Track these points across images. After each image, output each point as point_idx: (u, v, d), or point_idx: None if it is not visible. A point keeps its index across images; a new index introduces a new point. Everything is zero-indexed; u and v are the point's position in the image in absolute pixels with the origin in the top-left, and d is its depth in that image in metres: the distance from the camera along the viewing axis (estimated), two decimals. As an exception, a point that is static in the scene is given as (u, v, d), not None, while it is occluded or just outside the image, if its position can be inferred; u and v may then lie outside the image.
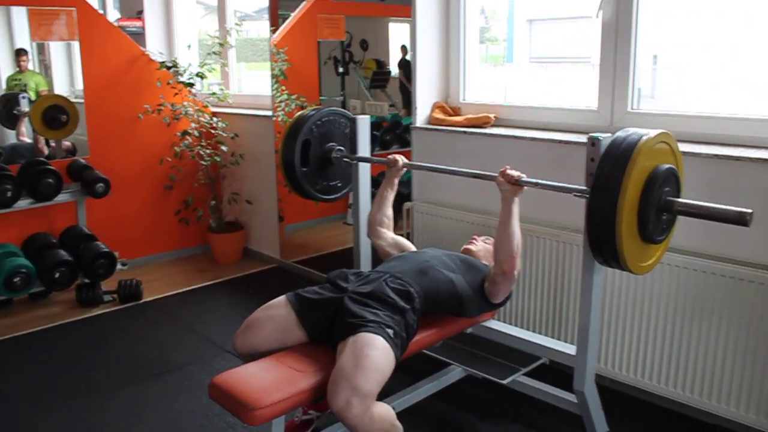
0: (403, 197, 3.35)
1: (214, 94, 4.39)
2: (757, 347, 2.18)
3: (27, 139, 4.10)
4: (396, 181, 2.59)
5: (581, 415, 2.23)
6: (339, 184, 2.89)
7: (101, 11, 5.32)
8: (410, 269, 2.23)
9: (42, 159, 3.81)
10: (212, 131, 4.41)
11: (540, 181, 2.07)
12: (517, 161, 2.76)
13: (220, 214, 4.56)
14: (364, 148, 2.71)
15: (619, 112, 2.67)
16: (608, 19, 2.63)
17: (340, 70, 4.44)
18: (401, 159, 2.56)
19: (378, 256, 2.61)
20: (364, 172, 2.75)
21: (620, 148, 1.76)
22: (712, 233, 2.26)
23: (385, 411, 1.89)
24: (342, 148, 2.79)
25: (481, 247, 2.52)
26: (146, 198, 4.41)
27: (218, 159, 4.40)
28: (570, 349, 2.19)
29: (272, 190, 4.27)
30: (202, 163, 4.32)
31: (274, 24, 4.32)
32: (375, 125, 4.41)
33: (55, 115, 3.98)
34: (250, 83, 5.43)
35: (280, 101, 4.23)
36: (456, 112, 3.26)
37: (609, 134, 1.88)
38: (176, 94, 4.24)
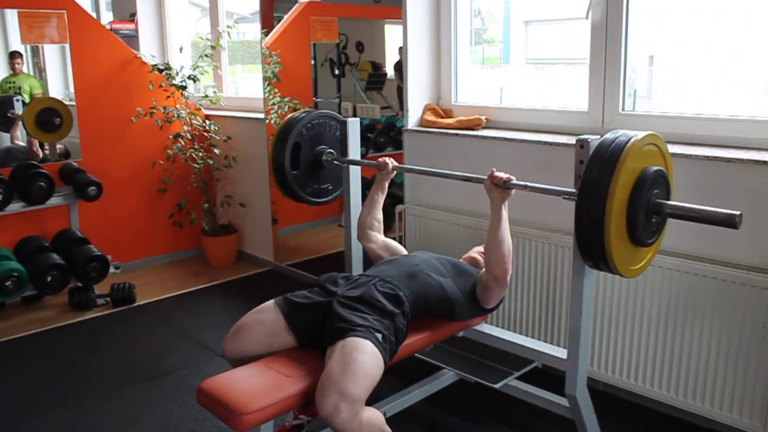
0: (397, 199, 3.35)
1: (206, 96, 4.38)
2: (749, 350, 2.17)
3: (21, 143, 4.08)
4: (386, 184, 2.58)
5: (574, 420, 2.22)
6: (330, 187, 2.88)
7: (94, 14, 5.33)
8: (400, 273, 2.22)
9: (34, 162, 3.79)
10: (205, 134, 4.39)
11: (529, 183, 2.06)
12: (508, 163, 2.76)
13: (214, 217, 4.54)
14: (354, 150, 2.70)
15: (610, 114, 2.66)
16: (598, 19, 2.62)
17: (336, 72, 4.43)
18: (391, 162, 2.54)
19: (370, 260, 2.60)
20: (355, 175, 2.73)
21: (608, 150, 1.75)
22: (704, 235, 2.25)
23: (373, 416, 1.88)
24: (333, 151, 2.78)
25: None
26: (139, 201, 4.39)
27: (211, 162, 4.39)
28: (561, 353, 2.18)
29: (265, 192, 4.26)
30: (195, 166, 4.31)
31: (267, 26, 4.31)
32: (369, 127, 4.43)
33: (49, 118, 3.97)
34: (247, 86, 5.41)
35: (273, 104, 4.22)
36: (448, 114, 3.25)
37: (598, 136, 1.87)
38: (168, 97, 4.23)
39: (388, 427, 1.91)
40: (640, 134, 1.79)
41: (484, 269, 2.24)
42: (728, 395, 2.23)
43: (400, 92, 4.11)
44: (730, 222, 1.71)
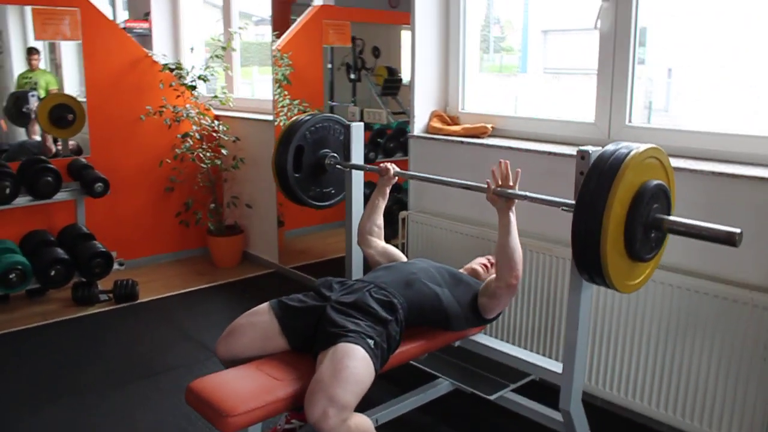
0: (404, 205, 3.33)
1: (216, 97, 4.39)
2: (750, 372, 2.12)
3: (37, 137, 4.13)
4: (387, 190, 2.56)
5: (567, 435, 2.19)
6: (333, 191, 2.87)
7: (111, 12, 5.38)
8: (396, 280, 2.20)
9: (42, 157, 3.82)
10: (214, 134, 4.41)
11: (528, 194, 2.03)
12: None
13: (220, 217, 4.55)
14: (357, 155, 2.69)
15: (617, 126, 2.63)
16: (607, 30, 2.59)
17: (352, 76, 4.43)
18: (392, 168, 2.53)
19: (370, 265, 2.58)
20: (357, 179, 2.72)
21: (607, 162, 1.72)
22: (708, 252, 2.21)
23: (362, 422, 1.86)
24: (336, 155, 2.77)
25: (489, 276, 2.42)
26: (147, 199, 4.41)
27: (219, 162, 4.40)
28: (557, 367, 2.14)
29: (272, 194, 4.26)
30: (202, 166, 4.32)
31: (278, 29, 4.32)
32: (379, 132, 4.42)
33: (62, 114, 4.02)
34: (262, 87, 5.43)
35: (282, 106, 4.22)
36: (454, 121, 3.24)
37: (599, 148, 1.84)
38: (178, 96, 4.24)
39: (378, 434, 1.90)
40: (641, 147, 1.76)
41: (493, 276, 2.20)
42: (727, 417, 2.19)
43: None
44: (729, 240, 1.67)
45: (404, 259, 2.51)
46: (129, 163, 4.27)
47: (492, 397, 2.37)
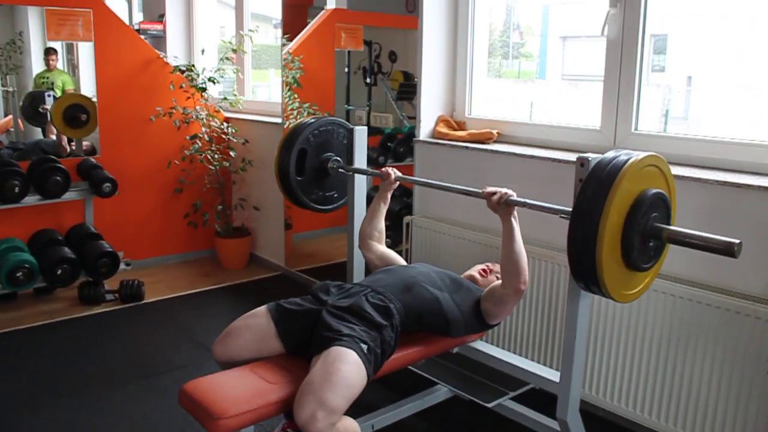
0: (411, 209, 3.31)
1: (225, 99, 4.41)
2: (752, 385, 2.08)
3: (53, 137, 4.19)
4: (389, 194, 2.56)
5: (565, 444, 2.16)
6: (336, 195, 2.87)
7: (127, 14, 5.44)
8: (394, 284, 2.19)
9: (51, 156, 3.86)
10: (223, 136, 4.43)
11: (527, 200, 2.01)
12: (516, 178, 2.73)
13: (228, 219, 4.57)
14: (360, 159, 2.68)
15: (623, 133, 2.60)
16: (613, 36, 2.56)
17: (368, 80, 4.44)
18: (393, 172, 2.52)
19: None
20: (360, 183, 2.72)
21: (605, 170, 1.70)
22: (711, 262, 2.16)
23: (351, 426, 1.85)
24: (339, 158, 2.77)
25: (487, 282, 2.40)
26: (155, 200, 4.44)
27: (227, 164, 4.41)
28: (555, 376, 2.12)
29: (279, 197, 4.27)
30: (210, 167, 4.34)
31: (293, 32, 4.33)
32: (390, 137, 4.42)
33: (76, 114, 4.07)
34: (277, 90, 5.44)
35: (292, 109, 4.23)
36: (461, 126, 3.22)
37: (599, 155, 1.82)
38: (189, 98, 4.27)
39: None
40: (641, 155, 1.73)
41: (498, 283, 2.18)
42: (729, 430, 2.14)
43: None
44: (728, 251, 1.64)
45: (403, 263, 2.50)
46: (138, 164, 4.30)
47: (490, 405, 2.35)
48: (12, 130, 4.17)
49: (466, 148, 2.99)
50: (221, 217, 4.49)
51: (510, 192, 2.06)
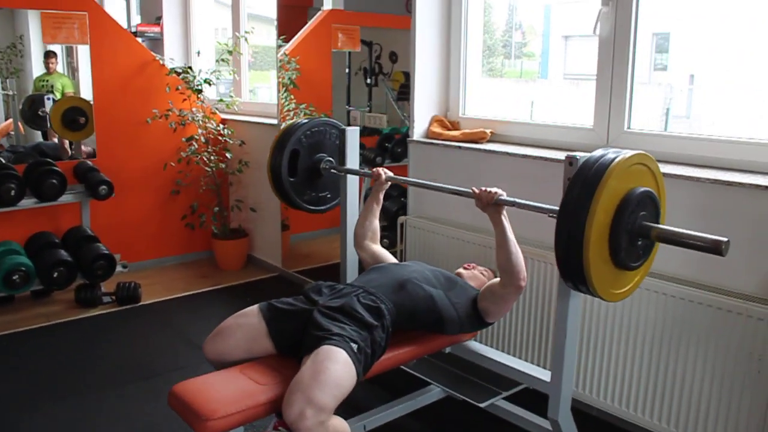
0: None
1: (221, 100, 4.42)
2: (744, 384, 2.07)
3: (55, 140, 4.21)
4: (381, 195, 2.55)
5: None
6: (329, 196, 2.87)
7: (125, 17, 5.45)
8: (387, 283, 2.18)
9: (47, 159, 3.86)
10: (219, 138, 4.43)
11: (516, 200, 2.01)
12: (508, 178, 2.73)
13: (225, 220, 4.57)
14: (352, 159, 2.68)
15: (615, 132, 2.59)
16: (606, 35, 2.56)
17: (368, 81, 4.44)
18: (384, 173, 2.52)
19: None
20: (352, 184, 2.71)
21: (591, 169, 1.69)
22: (703, 261, 2.16)
23: (341, 426, 1.84)
24: (332, 159, 2.77)
25: (474, 275, 2.43)
26: (152, 202, 4.44)
27: (224, 166, 4.42)
28: (546, 375, 2.11)
29: (276, 198, 4.24)
30: (207, 169, 4.34)
31: (285, 33, 4.33)
32: (387, 137, 4.41)
33: (74, 116, 4.08)
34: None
35: (288, 110, 4.23)
36: (455, 126, 3.22)
37: (587, 153, 1.81)
38: (185, 100, 4.27)
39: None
40: (628, 153, 1.73)
41: (496, 281, 2.17)
42: (720, 429, 2.13)
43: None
44: (716, 249, 1.63)
45: (394, 261, 2.49)
46: (135, 166, 4.31)
47: (483, 405, 2.34)
48: (12, 133, 4.18)
49: (460, 147, 2.99)
50: (218, 218, 4.49)
51: (500, 192, 2.06)
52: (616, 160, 1.69)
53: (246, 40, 4.33)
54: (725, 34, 3.35)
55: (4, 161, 3.77)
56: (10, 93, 4.10)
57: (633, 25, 2.49)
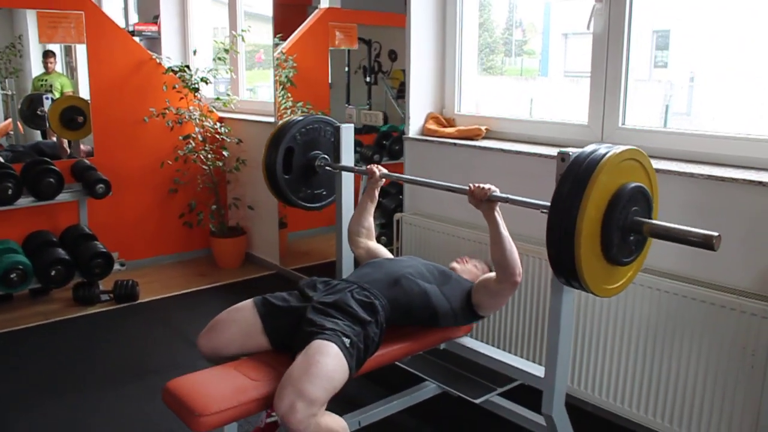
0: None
1: (218, 99, 4.42)
2: (737, 379, 2.07)
3: (54, 139, 4.21)
4: (376, 192, 2.55)
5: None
6: (324, 193, 2.87)
7: (123, 16, 5.45)
8: (381, 279, 2.18)
9: (45, 158, 3.87)
10: (216, 136, 4.43)
11: (509, 196, 2.01)
12: (503, 174, 2.73)
13: (223, 218, 4.58)
14: (347, 156, 2.68)
15: (610, 128, 2.59)
16: (599, 31, 2.56)
17: (368, 79, 4.44)
18: (378, 170, 2.52)
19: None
20: (347, 181, 2.72)
21: (582, 164, 1.69)
22: (698, 256, 2.16)
23: (335, 423, 1.84)
24: (327, 156, 2.77)
25: (467, 269, 2.44)
26: (150, 200, 4.45)
27: (221, 164, 4.42)
28: (539, 371, 2.12)
29: (273, 196, 4.27)
30: (204, 167, 4.35)
31: (283, 31, 4.33)
32: (385, 135, 4.41)
33: (73, 116, 4.08)
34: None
35: (285, 108, 4.23)
36: (450, 123, 3.22)
37: (579, 149, 1.81)
38: (182, 98, 4.28)
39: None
40: (619, 148, 1.73)
41: (491, 276, 2.17)
42: (714, 423, 2.14)
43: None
44: (706, 243, 1.64)
45: (390, 256, 2.49)
46: (132, 165, 4.31)
47: (478, 401, 2.35)
48: (12, 133, 4.18)
49: (455, 144, 2.99)
50: (216, 216, 4.50)
51: (493, 188, 2.06)
52: (607, 155, 1.69)
53: (243, 38, 4.32)
54: (726, 30, 3.34)
55: (2, 160, 3.78)
56: (9, 93, 4.11)
57: (627, 21, 2.49)
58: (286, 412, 1.72)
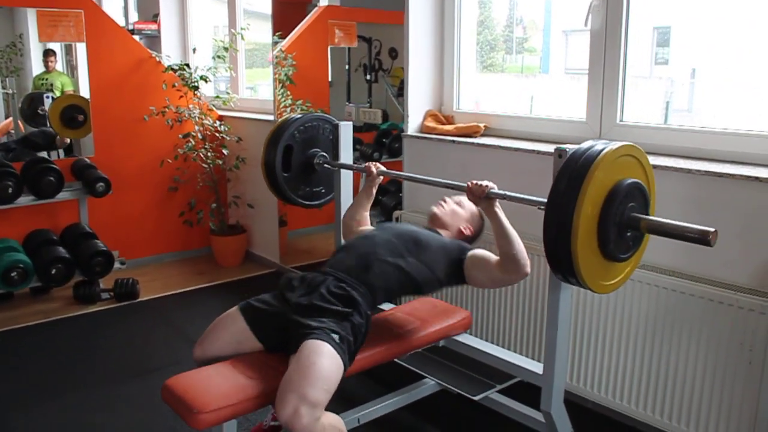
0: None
1: (218, 97, 4.42)
2: (735, 374, 2.07)
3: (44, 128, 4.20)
4: (373, 189, 2.54)
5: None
6: (323, 191, 2.87)
7: (123, 14, 5.46)
8: (354, 265, 2.13)
9: (45, 157, 3.88)
10: (216, 134, 4.44)
11: (506, 193, 2.01)
12: (502, 171, 2.73)
13: (223, 217, 4.58)
14: (345, 154, 2.68)
15: (608, 124, 2.59)
16: (597, 27, 2.56)
17: (368, 77, 4.44)
18: (375, 167, 2.51)
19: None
20: (346, 179, 2.72)
21: (579, 161, 1.69)
22: (696, 252, 2.14)
23: (335, 421, 1.85)
24: (325, 154, 2.77)
25: (448, 210, 2.39)
26: (150, 199, 4.46)
27: (221, 162, 4.43)
28: (538, 368, 2.12)
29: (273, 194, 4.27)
30: (204, 166, 4.35)
31: (282, 29, 4.33)
32: (384, 132, 4.41)
33: (73, 114, 4.09)
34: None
35: (285, 106, 4.24)
36: (449, 120, 3.22)
37: (576, 146, 1.81)
38: (181, 97, 4.28)
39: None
40: (616, 144, 1.73)
41: (495, 260, 2.09)
42: (713, 420, 2.14)
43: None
44: (703, 239, 1.63)
45: (370, 229, 2.44)
46: (132, 163, 4.32)
47: (477, 398, 2.35)
48: (12, 132, 4.19)
49: (453, 142, 2.99)
50: (216, 215, 4.50)
51: (491, 185, 2.05)
52: (604, 151, 1.69)
53: (242, 36, 4.32)
54: (728, 26, 3.34)
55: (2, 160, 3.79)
56: (10, 92, 4.12)
57: (624, 17, 2.49)
58: (291, 419, 1.72)
